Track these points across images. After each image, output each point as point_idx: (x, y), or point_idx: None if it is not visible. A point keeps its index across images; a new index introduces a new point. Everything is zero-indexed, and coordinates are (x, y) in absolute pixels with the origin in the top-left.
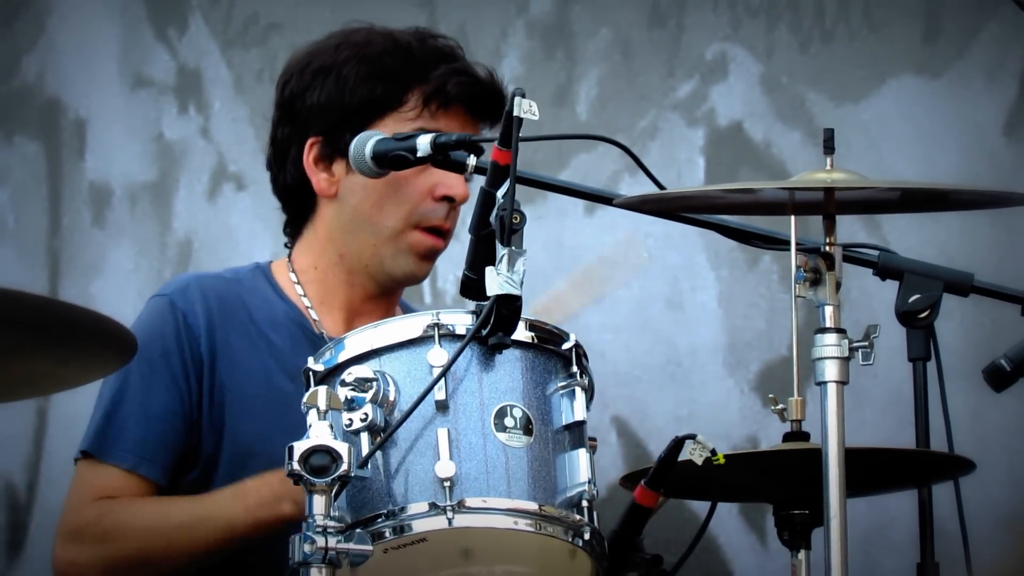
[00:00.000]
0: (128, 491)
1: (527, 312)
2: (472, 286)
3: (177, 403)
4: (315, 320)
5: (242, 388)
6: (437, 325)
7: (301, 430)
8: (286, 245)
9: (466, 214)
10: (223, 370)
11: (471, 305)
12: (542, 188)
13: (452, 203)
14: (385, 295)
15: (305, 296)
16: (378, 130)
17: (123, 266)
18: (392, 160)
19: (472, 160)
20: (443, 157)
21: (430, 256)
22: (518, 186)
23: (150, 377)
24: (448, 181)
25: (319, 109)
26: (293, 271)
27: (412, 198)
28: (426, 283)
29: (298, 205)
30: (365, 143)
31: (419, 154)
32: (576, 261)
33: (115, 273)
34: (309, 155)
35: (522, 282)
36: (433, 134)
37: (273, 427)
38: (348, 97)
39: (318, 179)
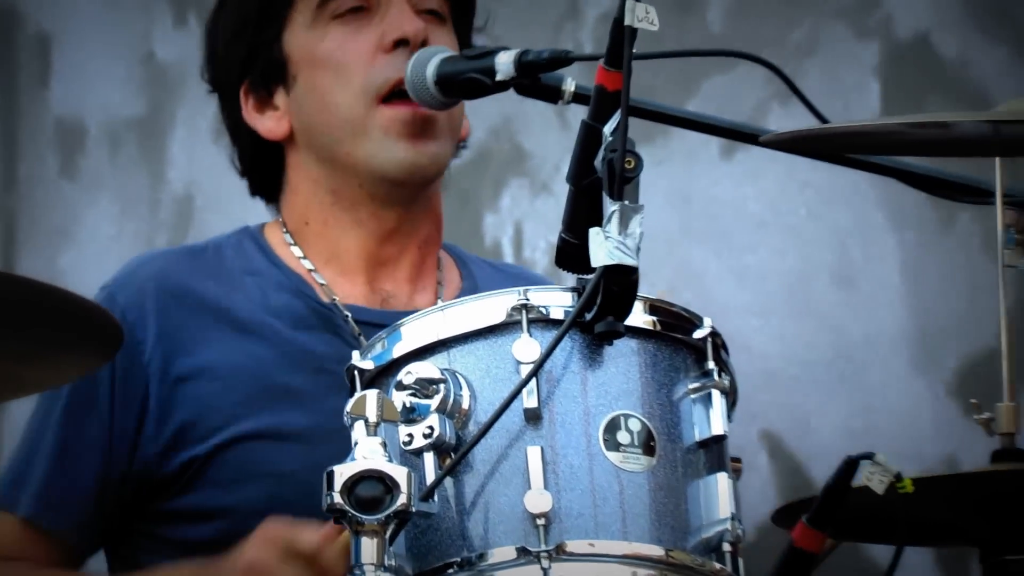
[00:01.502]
0: (25, 548)
1: (646, 289)
2: (571, 254)
3: (102, 444)
4: (322, 285)
5: (222, 402)
6: (525, 307)
7: (334, 450)
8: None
9: (561, 159)
10: (189, 387)
11: (570, 280)
12: (664, 122)
13: (406, 45)
14: (406, 224)
15: (306, 258)
16: (304, 25)
17: (101, 231)
18: (463, 85)
19: (570, 84)
20: (531, 81)
21: (416, 131)
22: (632, 120)
23: (71, 405)
24: (391, 20)
25: (230, 44)
26: (287, 231)
27: (356, 66)
28: (508, 247)
29: (267, 171)
30: (424, 65)
31: (499, 77)
32: (710, 220)
33: (91, 240)
34: (247, 106)
35: (639, 248)
36: (516, 50)
37: (281, 453)
38: (246, 7)
39: (265, 124)
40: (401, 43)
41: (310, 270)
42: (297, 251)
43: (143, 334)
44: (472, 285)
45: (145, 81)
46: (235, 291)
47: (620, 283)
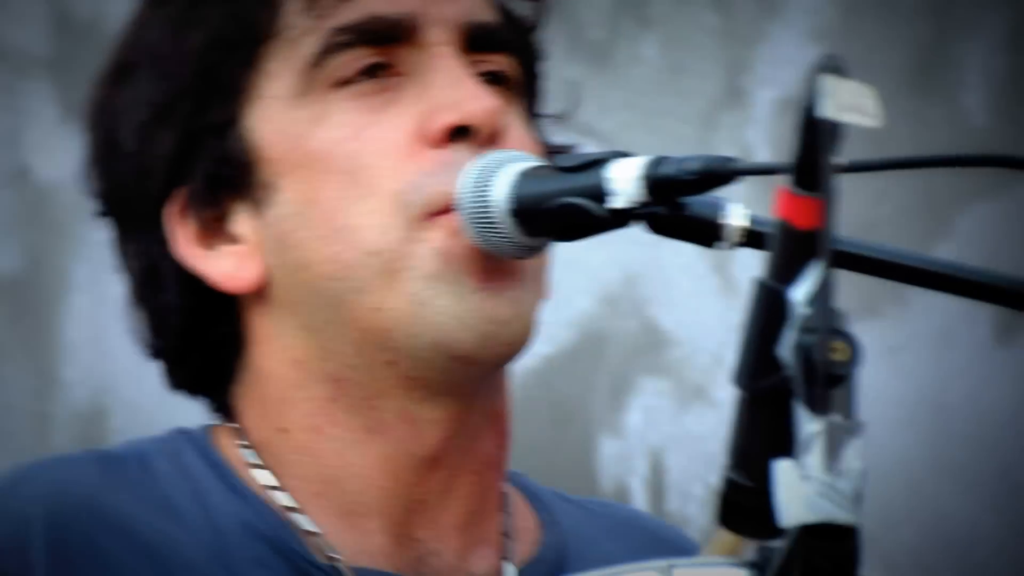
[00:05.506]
0: None
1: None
2: (744, 505)
3: None
4: (312, 534)
5: None
6: None
7: None
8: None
9: (723, 345)
10: None
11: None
12: (897, 279)
13: (466, 135)
14: (462, 434)
15: (281, 489)
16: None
17: None
18: (557, 218)
19: (736, 215)
20: (670, 210)
21: (490, 267)
22: (843, 277)
23: None
24: (441, 89)
25: (149, 129)
26: (246, 443)
27: (383, 165)
28: (639, 492)
29: (211, 347)
30: (489, 182)
31: (617, 203)
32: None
33: None
34: (181, 236)
35: (859, 495)
36: (644, 159)
37: None
38: (180, 64)
39: (218, 266)
40: (460, 132)
41: (289, 508)
42: (265, 476)
43: None
44: (557, 541)
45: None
46: (175, 529)
47: (828, 554)
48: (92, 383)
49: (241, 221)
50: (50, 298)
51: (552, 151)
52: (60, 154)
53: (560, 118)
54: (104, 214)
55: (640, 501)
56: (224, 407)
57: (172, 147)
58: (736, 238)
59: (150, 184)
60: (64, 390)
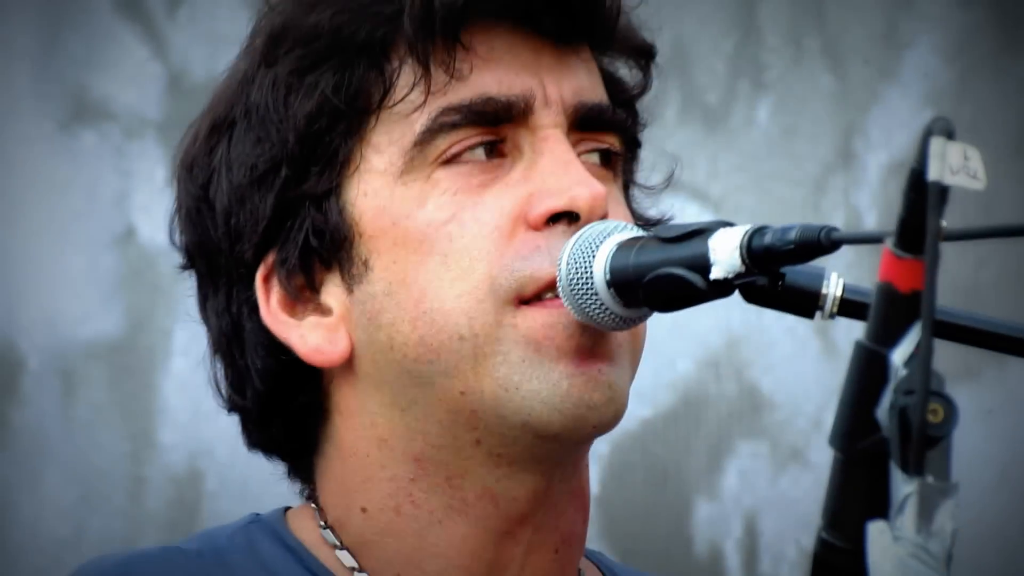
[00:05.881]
0: None
1: None
2: (836, 564)
3: None
4: None
5: None
6: None
7: None
8: (302, 492)
9: (823, 409)
10: None
11: None
12: (1002, 349)
13: (576, 220)
14: (544, 509)
15: (362, 571)
16: (384, 169)
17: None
18: (657, 288)
19: (837, 285)
20: (770, 280)
21: (584, 348)
22: (943, 344)
23: None
24: (547, 173)
25: (244, 193)
26: (324, 523)
27: (480, 247)
28: (732, 555)
29: (293, 419)
30: (590, 254)
31: (716, 274)
32: None
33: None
34: (269, 303)
35: (951, 557)
36: (745, 228)
37: None
38: (284, 129)
39: (306, 338)
40: (563, 217)
41: None
42: (347, 558)
43: None
44: None
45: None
46: None
47: None
48: (189, 446)
49: (331, 293)
50: (151, 361)
51: (648, 223)
52: (166, 217)
53: (663, 188)
54: (189, 267)
55: (733, 567)
56: (303, 478)
57: (269, 212)
58: (833, 308)
59: (242, 246)
60: (161, 453)
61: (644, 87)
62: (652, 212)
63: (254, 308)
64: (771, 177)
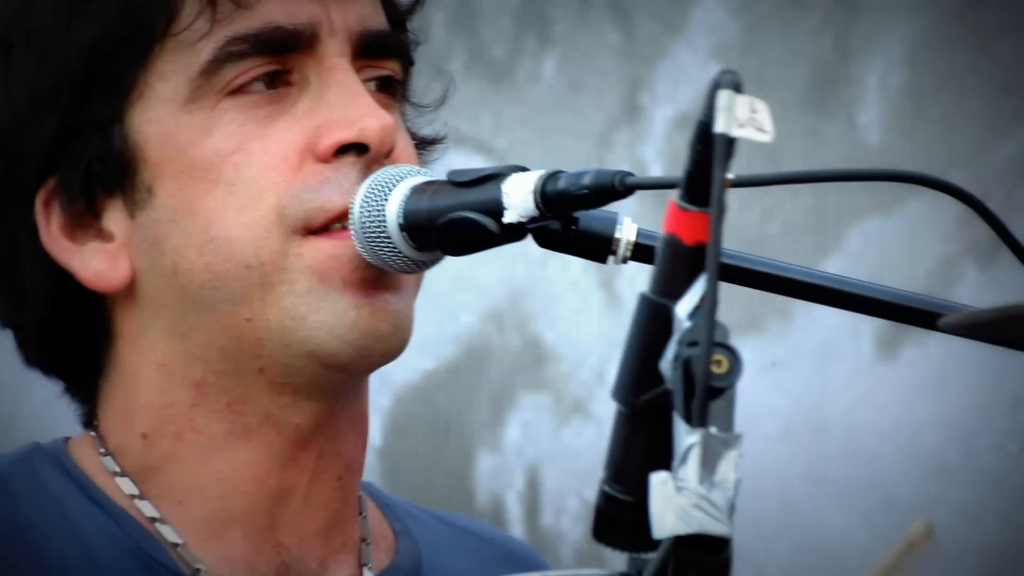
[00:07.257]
0: None
1: None
2: (619, 519)
3: None
4: (175, 545)
5: None
6: None
7: None
8: (84, 421)
9: (606, 361)
10: None
11: (617, 562)
12: (784, 292)
13: (365, 152)
14: (327, 435)
15: (143, 497)
16: (176, 98)
17: None
18: (449, 232)
19: (628, 230)
20: (561, 224)
21: (369, 278)
22: (726, 291)
23: None
24: (335, 104)
25: (26, 114)
26: (106, 451)
27: (268, 177)
28: (515, 507)
29: (74, 343)
30: (382, 197)
31: (509, 218)
32: (851, 458)
33: None
34: (49, 227)
35: (733, 506)
36: (538, 173)
37: None
38: (68, 53)
39: (87, 263)
40: (352, 149)
41: (152, 519)
42: (127, 485)
43: None
44: (412, 550)
45: None
46: (41, 551)
47: (703, 566)
48: None
49: (113, 219)
50: None
51: (422, 143)
52: None
53: (435, 108)
54: None
55: (516, 519)
56: (84, 399)
57: (49, 136)
58: (627, 253)
59: (21, 169)
60: None
61: (416, 4)
62: (432, 148)
63: (32, 231)
64: (556, 131)
